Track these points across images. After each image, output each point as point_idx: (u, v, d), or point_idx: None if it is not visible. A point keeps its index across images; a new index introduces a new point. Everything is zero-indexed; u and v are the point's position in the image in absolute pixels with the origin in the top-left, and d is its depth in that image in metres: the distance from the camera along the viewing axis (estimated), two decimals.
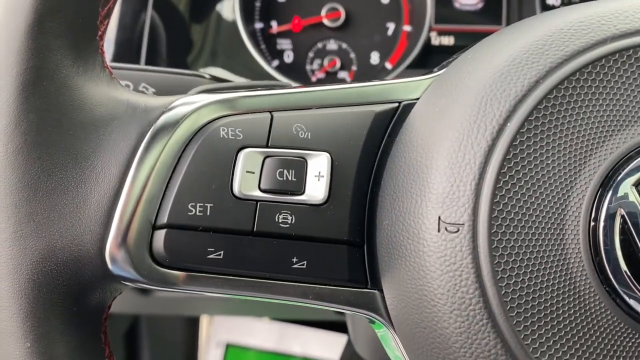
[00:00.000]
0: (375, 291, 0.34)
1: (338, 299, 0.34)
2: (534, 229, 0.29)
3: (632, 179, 0.29)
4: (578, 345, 0.29)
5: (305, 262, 0.32)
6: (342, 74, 0.78)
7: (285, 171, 0.32)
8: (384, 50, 0.77)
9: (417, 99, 0.35)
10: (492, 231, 0.29)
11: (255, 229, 0.31)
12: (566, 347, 0.29)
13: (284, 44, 0.78)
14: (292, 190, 0.32)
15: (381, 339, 0.37)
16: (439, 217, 0.30)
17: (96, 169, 0.30)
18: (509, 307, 0.29)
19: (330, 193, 0.33)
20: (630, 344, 0.29)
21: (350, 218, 0.33)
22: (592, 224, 0.29)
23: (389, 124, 0.35)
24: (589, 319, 0.29)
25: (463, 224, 0.29)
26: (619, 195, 0.29)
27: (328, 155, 0.33)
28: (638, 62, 0.30)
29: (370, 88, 0.35)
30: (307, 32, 0.78)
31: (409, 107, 0.35)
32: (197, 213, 0.31)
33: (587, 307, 0.29)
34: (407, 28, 0.76)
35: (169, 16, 0.68)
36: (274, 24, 0.77)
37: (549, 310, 0.29)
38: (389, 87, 0.36)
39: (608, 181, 0.29)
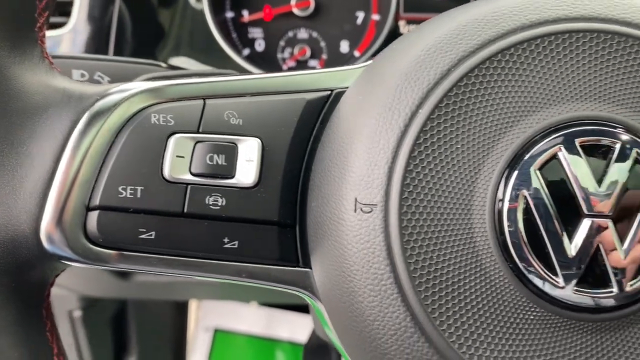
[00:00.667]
0: (308, 269, 0.36)
1: (271, 277, 0.35)
2: (442, 209, 0.31)
3: (536, 162, 0.30)
4: (483, 318, 0.30)
5: (236, 242, 0.34)
6: (313, 62, 0.80)
7: (216, 156, 0.34)
8: (353, 39, 0.79)
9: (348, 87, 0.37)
10: (402, 211, 0.31)
11: (185, 211, 0.33)
12: (472, 320, 0.30)
13: (255, 32, 0.79)
14: (223, 174, 0.34)
15: (318, 316, 0.39)
16: (356, 198, 0.32)
17: (32, 154, 0.32)
18: (417, 282, 0.30)
19: (260, 177, 0.34)
20: (532, 317, 0.31)
21: (280, 200, 0.35)
22: (498, 204, 0.31)
23: (321, 111, 0.36)
24: (494, 294, 0.31)
25: (376, 205, 0.31)
26: (523, 177, 0.30)
27: (259, 140, 0.34)
28: (546, 50, 0.32)
29: (303, 77, 0.37)
30: (278, 21, 0.79)
31: (340, 95, 0.36)
32: (128, 195, 0.32)
33: (492, 283, 0.31)
34: (375, 17, 0.78)
35: (138, 7, 0.69)
36: (245, 13, 0.79)
37: (456, 286, 0.31)
38: (322, 76, 0.37)
39: (514, 164, 0.31)
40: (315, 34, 0.79)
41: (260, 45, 0.79)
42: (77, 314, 1.11)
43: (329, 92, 0.36)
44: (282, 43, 0.79)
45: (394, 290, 0.31)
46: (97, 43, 0.66)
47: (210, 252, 0.34)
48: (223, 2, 0.77)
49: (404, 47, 0.34)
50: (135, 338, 1.32)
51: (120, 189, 0.32)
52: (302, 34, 0.79)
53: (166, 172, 0.33)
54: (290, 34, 0.79)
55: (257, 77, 0.37)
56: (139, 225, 0.33)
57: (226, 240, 0.34)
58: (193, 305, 1.51)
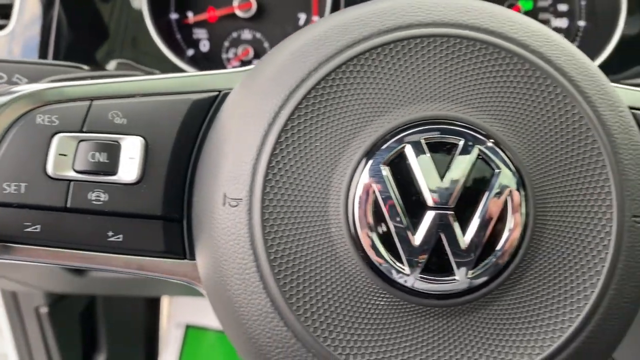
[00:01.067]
0: (194, 261, 0.38)
1: (160, 269, 0.38)
2: (302, 202, 0.33)
3: (385, 159, 0.33)
4: (338, 304, 0.33)
5: (121, 235, 0.36)
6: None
7: (98, 153, 0.36)
8: None
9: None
10: (265, 205, 0.33)
11: (68, 206, 0.35)
12: (327, 306, 0.33)
13: (200, 33, 0.81)
14: (105, 171, 0.36)
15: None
16: (224, 193, 0.34)
17: None
18: (276, 270, 0.33)
19: (143, 173, 0.36)
20: (383, 303, 0.33)
21: (164, 196, 0.37)
22: (351, 198, 0.33)
23: (208, 111, 0.38)
24: (348, 281, 0.33)
25: (242, 199, 0.33)
26: (373, 173, 0.33)
27: (142, 139, 0.37)
28: (398, 55, 0.34)
29: (191, 78, 0.39)
30: (223, 22, 0.81)
31: (227, 96, 0.39)
32: (12, 191, 0.35)
33: (346, 271, 0.33)
34: (315, 19, 0.80)
35: (78, 10, 0.71)
36: (189, 14, 0.81)
37: (313, 273, 0.33)
38: (210, 78, 0.39)
39: (366, 161, 0.33)
40: (258, 35, 0.81)
41: (205, 46, 0.81)
42: (44, 310, 1.12)
43: (216, 93, 0.38)
44: (226, 44, 0.81)
45: (257, 279, 0.33)
46: (36, 46, 0.68)
47: (95, 245, 0.36)
48: (167, 3, 0.79)
49: (276, 52, 0.37)
50: (105, 334, 1.33)
51: (4, 185, 0.35)
52: (246, 34, 0.81)
53: (49, 170, 0.35)
54: (235, 34, 0.81)
55: (147, 78, 0.39)
56: (24, 219, 0.35)
57: (110, 233, 0.36)
58: (165, 302, 1.52)
